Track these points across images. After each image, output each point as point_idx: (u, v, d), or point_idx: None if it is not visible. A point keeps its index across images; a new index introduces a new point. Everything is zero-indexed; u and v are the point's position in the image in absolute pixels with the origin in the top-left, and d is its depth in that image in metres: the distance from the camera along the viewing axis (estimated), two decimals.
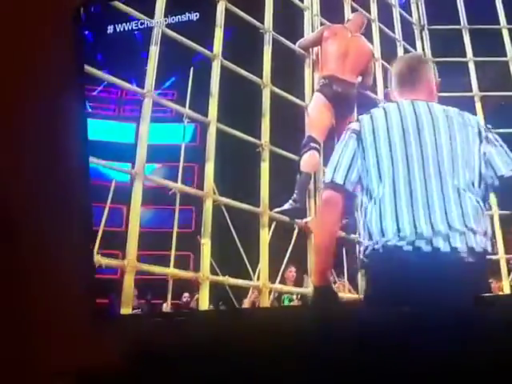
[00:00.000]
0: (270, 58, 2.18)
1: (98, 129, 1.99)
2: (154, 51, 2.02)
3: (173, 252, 1.93)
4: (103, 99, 2.05)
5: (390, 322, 1.59)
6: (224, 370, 1.67)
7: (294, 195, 2.13)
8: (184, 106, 2.04)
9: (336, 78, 2.25)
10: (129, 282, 1.84)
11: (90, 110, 2.00)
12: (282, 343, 1.69)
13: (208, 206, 1.98)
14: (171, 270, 1.93)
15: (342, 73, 2.26)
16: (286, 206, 2.11)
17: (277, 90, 2.18)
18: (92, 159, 1.92)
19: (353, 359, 1.65)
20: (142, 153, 1.93)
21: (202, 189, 1.99)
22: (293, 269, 2.08)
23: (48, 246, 1.87)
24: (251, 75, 2.15)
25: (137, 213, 1.91)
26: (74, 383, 1.66)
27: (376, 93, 2.36)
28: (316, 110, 2.22)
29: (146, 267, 1.88)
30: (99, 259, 1.82)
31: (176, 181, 1.99)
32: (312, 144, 2.16)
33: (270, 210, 2.08)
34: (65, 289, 1.80)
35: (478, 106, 2.62)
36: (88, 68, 1.94)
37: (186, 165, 2.02)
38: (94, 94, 2.02)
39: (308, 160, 2.16)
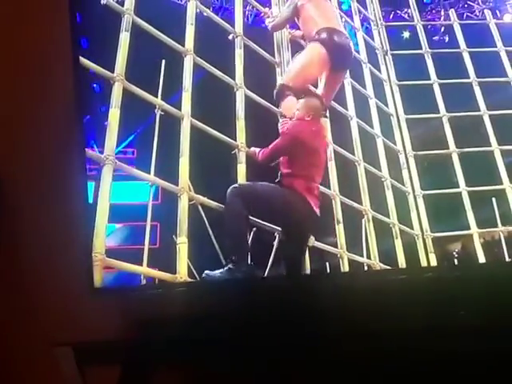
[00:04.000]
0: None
1: None
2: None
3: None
4: None
5: None
6: (223, 339, 1.65)
7: None
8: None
9: (335, 29, 2.22)
10: None
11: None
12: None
13: (184, 203, 1.80)
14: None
15: (339, 26, 2.26)
16: None
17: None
18: None
19: None
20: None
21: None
22: None
23: (46, 220, 1.81)
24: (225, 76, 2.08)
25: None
26: (72, 355, 1.66)
27: None
28: (310, 60, 2.17)
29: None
30: None
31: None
32: (287, 92, 2.10)
33: None
34: (64, 261, 1.75)
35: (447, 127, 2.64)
36: None
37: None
38: None
39: (287, 104, 2.09)
